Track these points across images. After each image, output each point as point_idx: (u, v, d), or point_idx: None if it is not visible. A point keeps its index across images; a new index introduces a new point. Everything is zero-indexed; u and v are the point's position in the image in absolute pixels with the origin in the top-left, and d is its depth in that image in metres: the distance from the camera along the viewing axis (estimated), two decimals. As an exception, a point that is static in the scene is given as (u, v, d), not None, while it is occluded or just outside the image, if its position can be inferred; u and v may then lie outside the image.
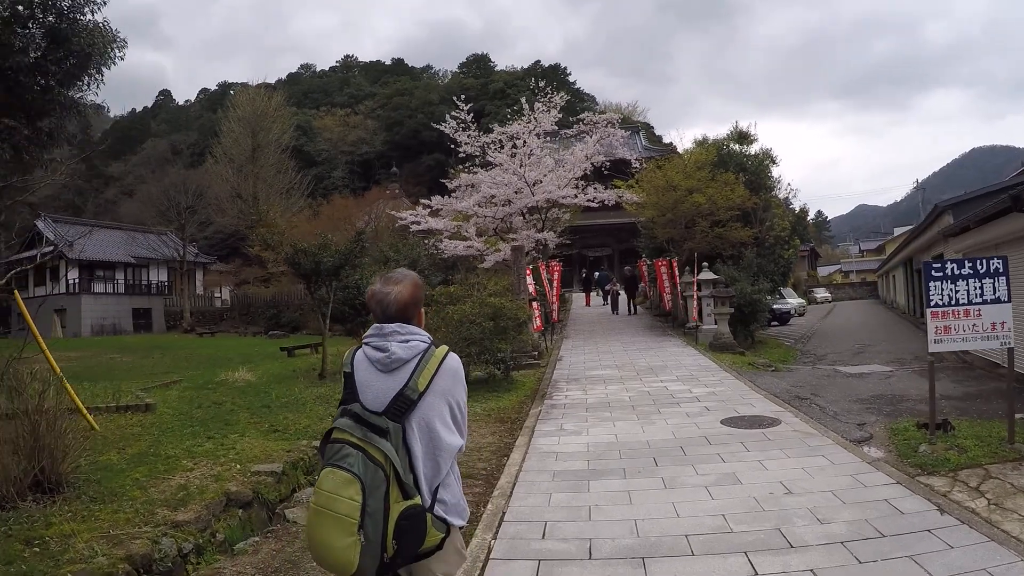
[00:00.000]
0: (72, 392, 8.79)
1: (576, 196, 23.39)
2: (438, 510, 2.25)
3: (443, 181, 25.38)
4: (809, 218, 55.24)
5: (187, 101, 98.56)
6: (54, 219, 37.51)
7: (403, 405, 2.19)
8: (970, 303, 7.10)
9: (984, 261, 7.19)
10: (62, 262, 35.62)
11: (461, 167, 23.91)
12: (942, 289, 7.19)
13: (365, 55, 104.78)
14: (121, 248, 39.78)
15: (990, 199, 12.94)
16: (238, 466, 7.11)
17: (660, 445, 8.00)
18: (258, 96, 49.87)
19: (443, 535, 2.23)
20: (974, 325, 7.09)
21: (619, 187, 24.50)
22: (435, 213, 23.96)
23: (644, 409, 10.07)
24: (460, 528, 2.33)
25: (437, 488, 2.26)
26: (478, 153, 23.34)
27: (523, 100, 24.73)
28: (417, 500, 2.15)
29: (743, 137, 23.84)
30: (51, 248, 34.53)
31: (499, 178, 22.49)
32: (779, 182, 23.37)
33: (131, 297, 39.85)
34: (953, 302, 7.14)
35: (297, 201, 49.01)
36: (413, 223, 24.08)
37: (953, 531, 4.57)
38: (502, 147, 23.20)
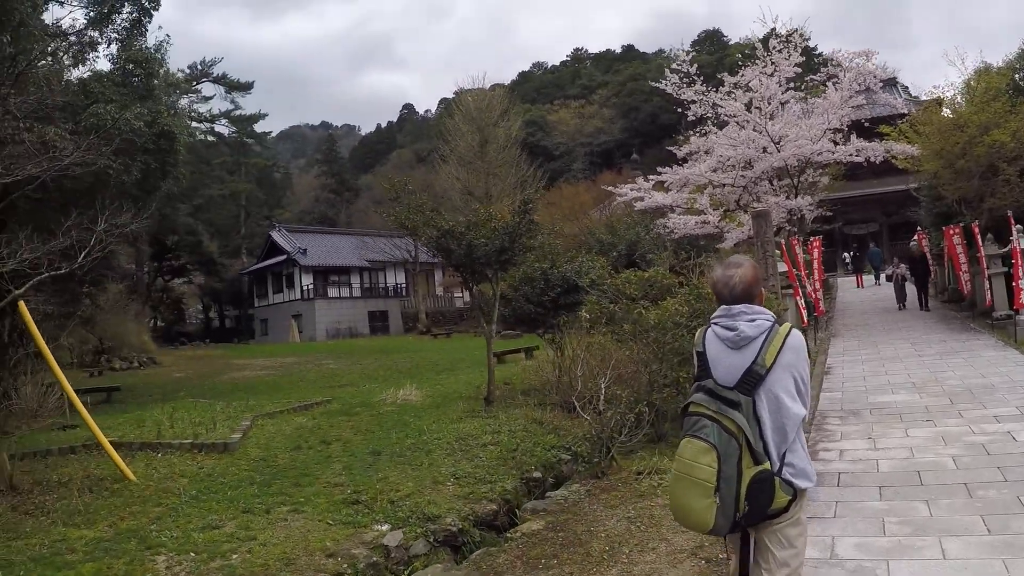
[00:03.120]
0: (100, 435, 6.80)
1: (834, 151, 17.79)
2: (786, 474, 2.46)
3: (670, 149, 21.12)
4: None
5: (427, 111, 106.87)
6: (288, 229, 41.07)
7: (752, 379, 2.46)
8: None
9: None
10: (296, 269, 38.69)
11: (691, 132, 19.64)
12: None
13: (594, 47, 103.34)
14: (355, 253, 42.23)
15: None
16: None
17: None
18: (482, 94, 50.43)
19: (790, 498, 2.46)
20: None
21: (887, 134, 18.35)
22: (662, 187, 19.83)
23: (993, 499, 4.91)
24: (806, 490, 2.54)
25: (784, 454, 2.48)
26: (710, 115, 18.83)
27: (756, 43, 19.63)
28: (767, 465, 2.41)
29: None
30: (283, 256, 37.64)
31: (736, 136, 17.80)
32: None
33: (366, 300, 41.96)
34: None
35: (532, 196, 48.62)
36: (636, 199, 20.17)
37: None
38: (736, 99, 18.40)
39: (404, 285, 43.08)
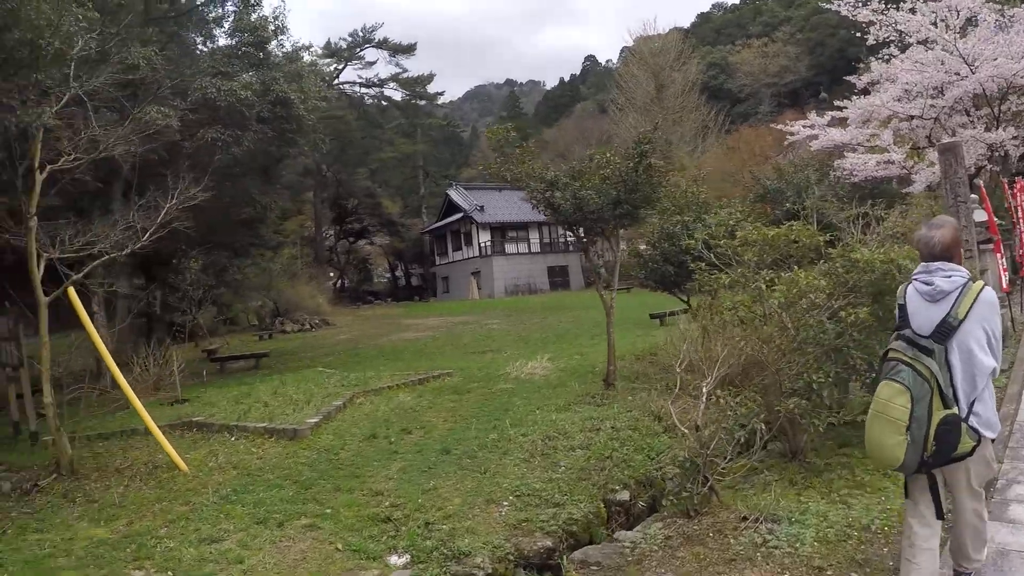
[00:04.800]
0: (152, 424, 6.64)
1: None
2: (972, 421, 2.73)
3: (847, 79, 17.56)
4: None
5: (608, 61, 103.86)
6: (465, 186, 41.58)
7: (946, 330, 2.74)
8: None
9: None
10: (474, 226, 39.16)
11: (872, 59, 15.93)
12: None
13: None
14: (534, 208, 41.86)
15: None
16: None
17: None
18: (656, 39, 48.20)
19: (975, 443, 2.72)
20: None
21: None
22: (842, 124, 16.46)
23: None
24: (992, 440, 2.86)
25: (973, 402, 2.75)
26: (893, 38, 15.00)
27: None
28: (955, 410, 2.68)
29: None
30: (460, 214, 38.27)
31: (922, 58, 14.00)
32: None
33: (545, 255, 41.51)
34: None
35: (713, 141, 46.09)
36: (809, 138, 17.01)
37: None
38: (920, 14, 14.52)
39: (585, 239, 41.81)
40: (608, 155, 9.25)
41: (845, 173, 15.39)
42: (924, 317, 2.80)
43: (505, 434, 7.57)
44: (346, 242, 40.12)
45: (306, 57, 20.44)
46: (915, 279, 2.92)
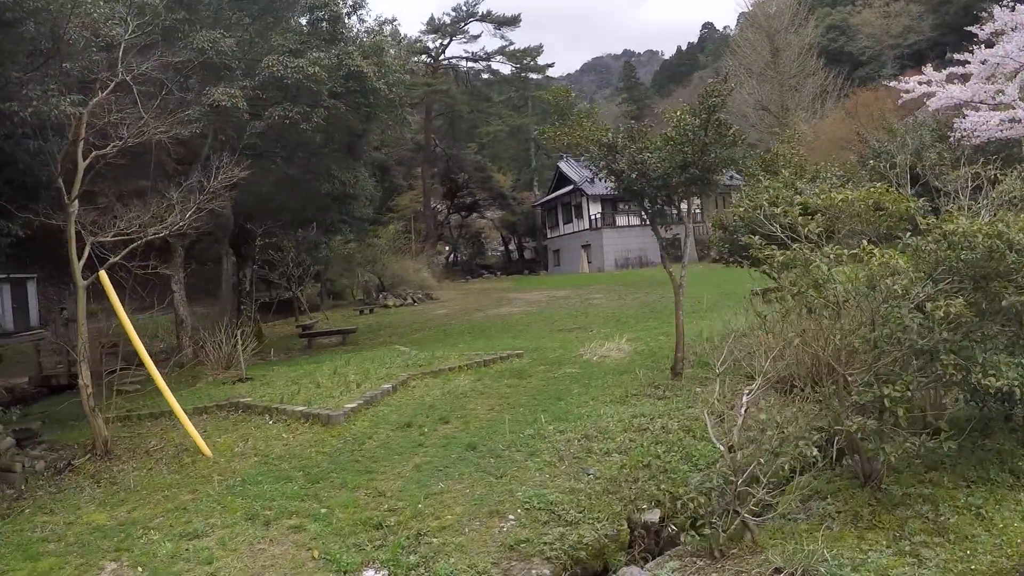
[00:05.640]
0: (178, 409, 6.67)
1: None
2: None
3: (968, 30, 14.56)
4: None
5: (726, 27, 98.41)
6: (575, 159, 40.36)
7: None
8: None
9: None
10: (584, 199, 38.04)
11: (996, 6, 13.06)
12: None
13: None
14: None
15: None
16: None
17: None
18: (767, 2, 45.00)
19: None
20: None
21: None
22: (958, 79, 13.72)
23: None
24: None
25: None
26: None
27: None
28: None
29: None
30: (571, 187, 37.28)
31: None
32: None
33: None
34: None
35: (832, 107, 42.55)
36: (925, 95, 14.40)
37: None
38: None
39: (699, 211, 39.75)
40: (677, 112, 8.13)
41: (965, 134, 12.88)
42: None
43: (542, 430, 6.89)
44: (458, 216, 40.50)
45: (387, 30, 20.27)
46: None
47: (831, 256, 4.47)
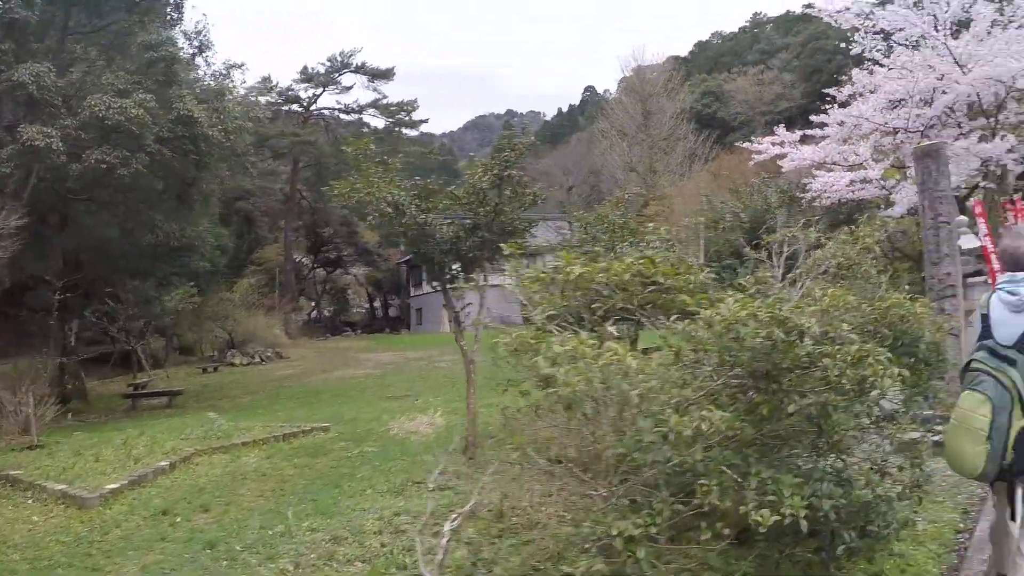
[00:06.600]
0: None
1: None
2: None
3: (827, 92, 16.24)
4: None
5: (606, 91, 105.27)
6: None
7: None
8: None
9: None
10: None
11: (854, 69, 14.88)
12: None
13: (773, 11, 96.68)
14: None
15: None
16: None
17: None
18: (650, 67, 48.89)
19: None
20: None
21: None
22: (815, 141, 15.12)
23: None
24: None
25: None
26: (879, 46, 13.99)
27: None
28: None
29: None
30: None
31: (909, 59, 12.83)
32: None
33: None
34: None
35: (699, 168, 46.21)
36: (777, 156, 15.67)
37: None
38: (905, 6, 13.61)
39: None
40: (476, 169, 7.61)
41: (816, 195, 13.83)
42: (1008, 327, 2.81)
43: (291, 528, 5.97)
44: (323, 271, 39.42)
45: (237, 76, 19.89)
46: (999, 288, 2.93)
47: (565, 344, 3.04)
